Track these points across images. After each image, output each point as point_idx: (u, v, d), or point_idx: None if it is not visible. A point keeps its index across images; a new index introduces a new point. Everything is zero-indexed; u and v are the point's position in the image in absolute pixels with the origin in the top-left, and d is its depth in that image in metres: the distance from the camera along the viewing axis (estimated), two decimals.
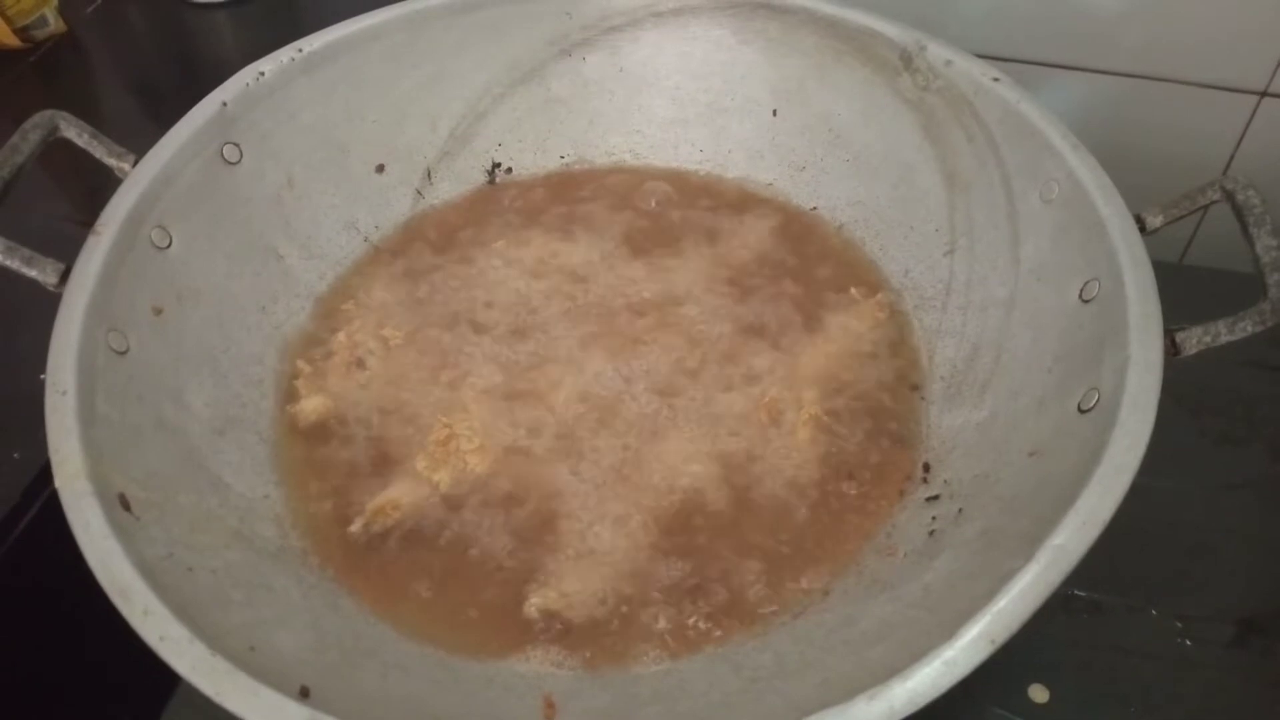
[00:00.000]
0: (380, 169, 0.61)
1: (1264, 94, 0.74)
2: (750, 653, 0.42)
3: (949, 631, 0.34)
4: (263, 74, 0.56)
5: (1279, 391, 0.61)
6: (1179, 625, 0.51)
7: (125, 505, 0.40)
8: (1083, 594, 0.52)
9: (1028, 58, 0.76)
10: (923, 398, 0.52)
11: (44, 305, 0.45)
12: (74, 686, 0.54)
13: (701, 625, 0.43)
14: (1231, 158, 0.78)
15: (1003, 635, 0.34)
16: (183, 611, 0.36)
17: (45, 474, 0.42)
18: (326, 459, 0.50)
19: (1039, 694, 0.48)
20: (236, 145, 0.55)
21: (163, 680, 0.48)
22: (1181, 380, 0.52)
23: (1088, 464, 0.38)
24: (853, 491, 0.48)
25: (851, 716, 0.32)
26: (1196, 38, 0.72)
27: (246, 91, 0.56)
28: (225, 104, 0.55)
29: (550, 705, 0.39)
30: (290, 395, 0.52)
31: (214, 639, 0.36)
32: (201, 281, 0.52)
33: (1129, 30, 0.73)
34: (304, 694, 0.35)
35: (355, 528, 0.47)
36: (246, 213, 0.55)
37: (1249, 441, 0.59)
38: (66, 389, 0.42)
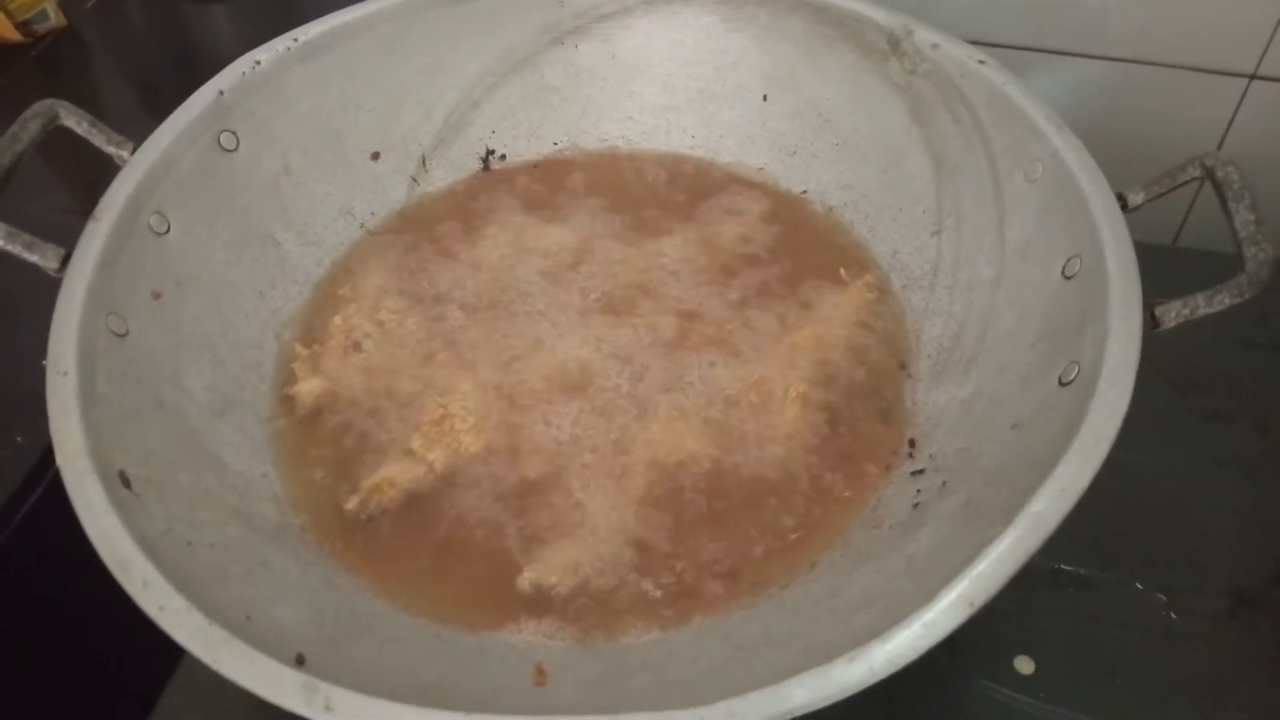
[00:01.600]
0: (376, 156, 0.62)
1: (1253, 76, 0.74)
2: (738, 623, 0.43)
3: (930, 597, 0.35)
4: (259, 63, 0.57)
5: (1265, 369, 0.62)
6: (1164, 599, 0.52)
7: (125, 482, 0.41)
8: (1069, 568, 0.53)
9: (1019, 43, 0.77)
10: (909, 375, 0.53)
11: (45, 295, 0.46)
12: (75, 667, 0.54)
13: (690, 597, 0.44)
14: (1222, 140, 0.78)
15: (981, 598, 0.35)
16: (181, 584, 0.37)
17: (47, 458, 0.43)
18: (323, 439, 0.51)
19: (1025, 665, 0.49)
20: (233, 133, 0.56)
21: (163, 658, 0.49)
22: (1169, 358, 0.53)
23: (1067, 434, 0.39)
24: (839, 468, 0.48)
25: (831, 678, 0.33)
26: (1185, 21, 0.73)
27: (243, 80, 0.57)
28: (222, 92, 0.56)
29: (541, 673, 0.40)
30: (288, 378, 0.53)
31: (212, 610, 0.37)
32: (200, 267, 0.53)
33: (1119, 15, 0.74)
34: (300, 661, 0.36)
35: (351, 505, 0.47)
36: (244, 200, 0.56)
37: (1236, 418, 0.60)
38: (67, 370, 0.43)
